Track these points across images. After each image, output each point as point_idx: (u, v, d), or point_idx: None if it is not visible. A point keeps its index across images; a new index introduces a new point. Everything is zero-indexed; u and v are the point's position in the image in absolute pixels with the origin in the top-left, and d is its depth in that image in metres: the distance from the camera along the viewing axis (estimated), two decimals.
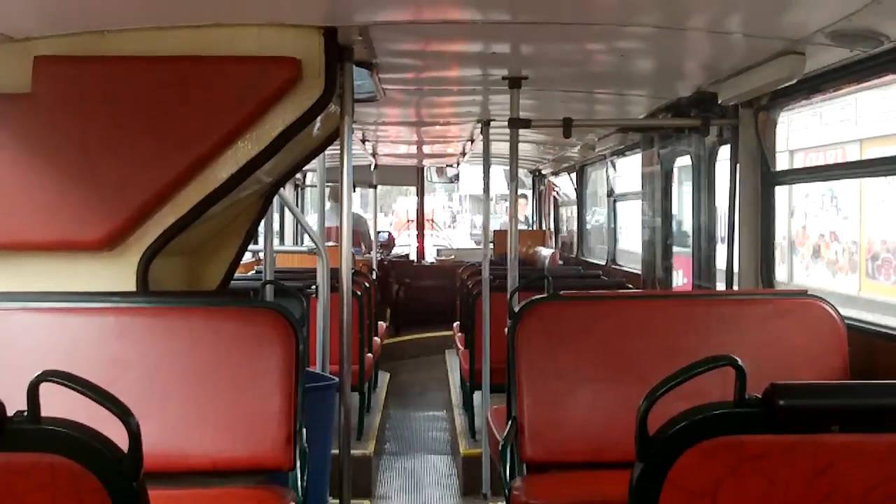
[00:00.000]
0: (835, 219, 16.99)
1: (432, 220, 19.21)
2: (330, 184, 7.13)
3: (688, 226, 6.09)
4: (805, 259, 17.99)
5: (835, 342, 3.88)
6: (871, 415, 1.80)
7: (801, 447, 1.78)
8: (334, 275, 5.04)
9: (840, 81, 4.26)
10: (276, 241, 7.22)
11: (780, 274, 17.21)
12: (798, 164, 15.25)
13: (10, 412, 1.73)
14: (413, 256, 14.99)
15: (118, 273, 3.73)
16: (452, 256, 15.25)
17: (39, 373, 1.76)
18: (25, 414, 1.74)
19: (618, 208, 9.35)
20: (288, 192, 10.42)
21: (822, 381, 2.53)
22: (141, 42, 3.74)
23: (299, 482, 3.52)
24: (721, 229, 5.40)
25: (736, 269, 5.13)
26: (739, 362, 1.79)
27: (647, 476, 1.81)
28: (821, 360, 3.86)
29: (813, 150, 16.46)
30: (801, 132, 16.34)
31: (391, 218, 29.71)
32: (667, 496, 1.80)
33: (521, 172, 13.23)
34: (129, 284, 3.73)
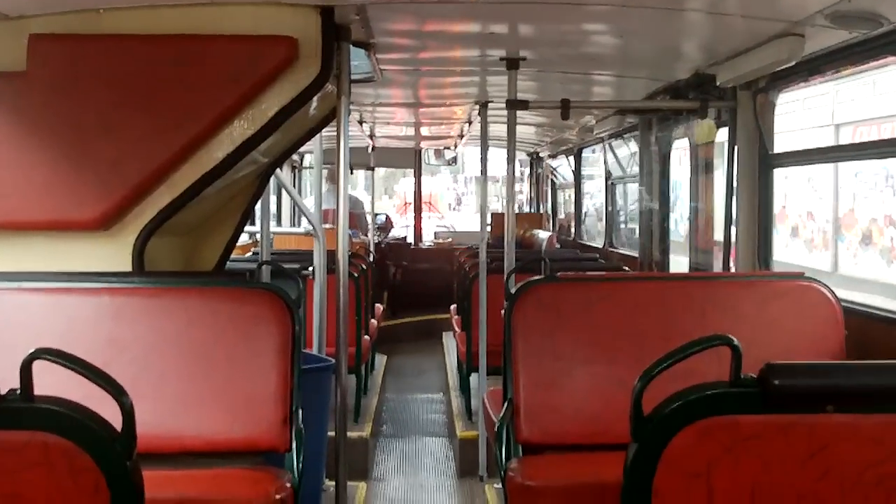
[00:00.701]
0: (892, 200, 14.67)
1: (430, 203, 19.16)
2: (327, 165, 7.12)
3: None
4: (853, 246, 15.69)
5: (831, 324, 3.88)
6: (867, 395, 1.80)
7: (796, 427, 1.78)
8: (331, 257, 5.02)
9: (839, 63, 4.24)
10: (272, 222, 7.21)
11: (823, 262, 15.53)
12: (846, 140, 13.76)
13: (3, 390, 1.73)
14: (411, 239, 14.99)
15: (114, 253, 3.72)
16: (450, 239, 15.25)
17: (33, 350, 1.75)
18: (18, 392, 1.74)
19: (616, 191, 9.34)
20: (285, 173, 10.39)
21: (818, 362, 2.52)
22: (137, 20, 3.71)
23: (295, 464, 3.52)
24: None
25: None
26: (735, 342, 1.78)
27: (641, 456, 1.81)
28: (817, 342, 3.86)
29: (864, 123, 14.25)
30: (848, 104, 14.36)
31: (395, 200, 29.44)
32: (661, 476, 1.80)
33: (519, 155, 13.21)
34: (125, 264, 3.72)
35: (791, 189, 15.85)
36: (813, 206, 16.55)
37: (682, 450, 1.79)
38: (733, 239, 5.10)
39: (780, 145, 4.96)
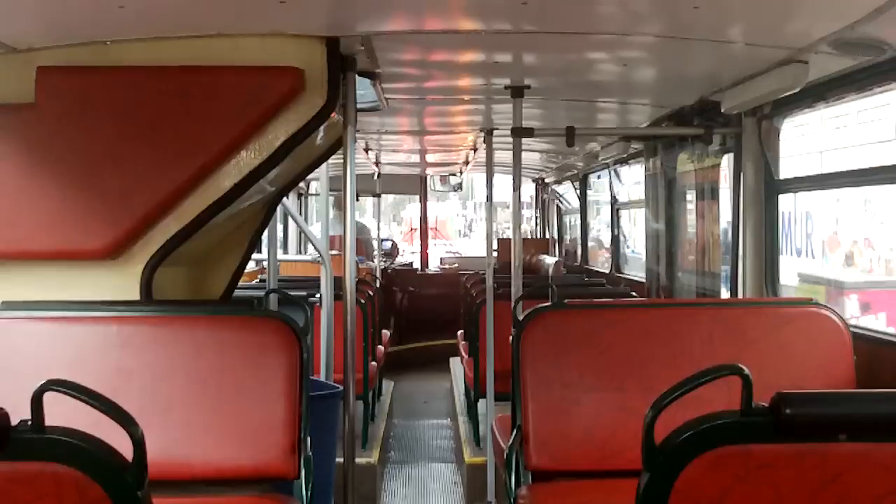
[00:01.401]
0: None
1: (436, 229, 19.14)
2: (333, 193, 7.14)
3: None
4: None
5: (840, 350, 3.87)
6: (880, 424, 1.79)
7: (808, 456, 1.77)
8: (338, 283, 5.03)
9: (843, 90, 4.25)
10: (279, 250, 7.23)
11: None
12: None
13: (14, 421, 1.73)
14: (417, 265, 14.99)
15: (122, 282, 3.73)
16: (456, 265, 15.24)
17: (43, 382, 1.76)
18: (29, 423, 1.74)
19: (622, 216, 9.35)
20: (291, 201, 10.41)
21: (830, 390, 2.51)
22: (144, 52, 3.74)
23: (304, 491, 3.51)
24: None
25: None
26: (746, 371, 1.78)
27: (653, 486, 1.80)
28: (826, 369, 3.85)
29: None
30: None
31: (402, 227, 29.05)
32: None
33: (524, 181, 13.22)
34: (133, 293, 3.73)
35: (842, 212, 14.54)
36: (871, 231, 15.20)
37: (694, 480, 1.78)
38: (740, 265, 5.10)
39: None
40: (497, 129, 6.80)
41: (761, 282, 4.98)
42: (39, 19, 3.47)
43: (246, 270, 5.37)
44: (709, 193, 5.65)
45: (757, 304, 4.32)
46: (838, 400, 1.88)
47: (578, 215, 11.09)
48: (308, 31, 3.76)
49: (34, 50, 3.72)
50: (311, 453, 3.57)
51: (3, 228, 3.64)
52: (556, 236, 13.00)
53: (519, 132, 5.29)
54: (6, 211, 3.63)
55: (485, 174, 7.01)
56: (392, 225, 27.99)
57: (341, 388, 4.61)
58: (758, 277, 4.99)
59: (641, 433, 1.84)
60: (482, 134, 7.19)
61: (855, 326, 4.02)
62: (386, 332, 10.52)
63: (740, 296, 5.11)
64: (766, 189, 4.97)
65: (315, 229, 8.13)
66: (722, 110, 4.94)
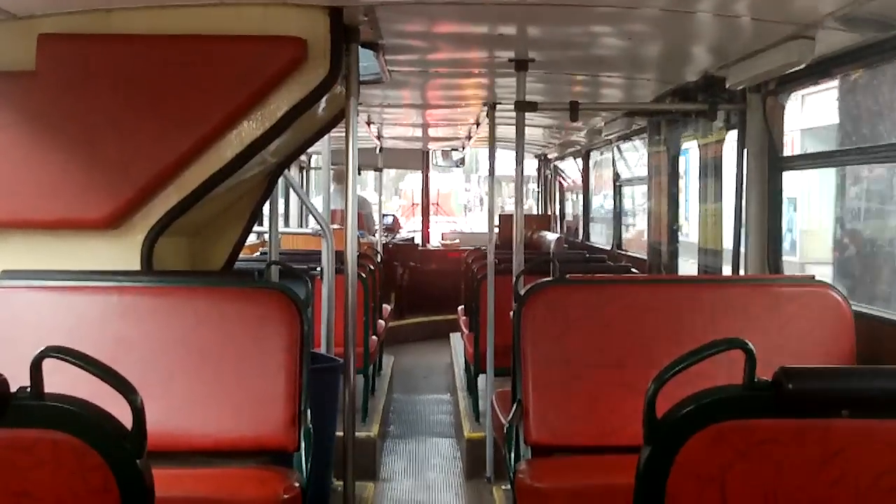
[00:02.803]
0: None
1: (438, 204, 19.10)
2: (335, 166, 7.12)
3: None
4: None
5: (842, 328, 3.86)
6: (882, 400, 1.78)
7: (810, 432, 1.77)
8: (339, 257, 5.02)
9: (849, 66, 4.23)
10: (280, 222, 7.21)
11: None
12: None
13: (13, 388, 1.72)
14: (419, 240, 15.00)
15: (122, 252, 3.72)
16: (457, 240, 15.24)
17: (42, 349, 1.75)
18: (28, 390, 1.73)
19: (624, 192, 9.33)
20: (293, 174, 10.40)
21: (833, 366, 2.51)
22: (145, 20, 3.71)
23: (304, 463, 3.52)
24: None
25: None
26: (749, 346, 1.77)
27: (654, 459, 1.79)
28: (828, 346, 3.84)
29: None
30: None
31: (401, 200, 28.49)
32: (674, 480, 1.79)
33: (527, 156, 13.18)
34: (134, 264, 3.72)
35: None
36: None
37: (695, 453, 1.78)
38: (742, 242, 5.08)
39: None
40: (500, 103, 6.77)
41: (763, 259, 4.97)
42: None
43: (247, 243, 5.37)
44: (712, 170, 5.62)
45: (759, 281, 4.31)
46: (841, 375, 1.87)
47: (581, 191, 11.07)
48: (311, 0, 3.72)
49: (35, 17, 3.69)
50: (310, 426, 3.57)
51: (3, 198, 3.63)
52: (558, 213, 12.97)
53: (522, 106, 5.26)
54: (6, 180, 3.62)
55: (487, 149, 6.98)
56: (394, 199, 27.67)
57: (342, 361, 4.61)
58: (760, 255, 4.98)
59: (642, 409, 1.84)
60: (485, 108, 7.15)
61: (857, 304, 4.01)
62: (387, 307, 10.53)
63: (742, 273, 5.10)
64: (770, 166, 4.95)
65: (316, 203, 8.11)
66: (727, 86, 4.91)
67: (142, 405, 1.79)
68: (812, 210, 15.65)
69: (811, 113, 13.54)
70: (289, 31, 3.70)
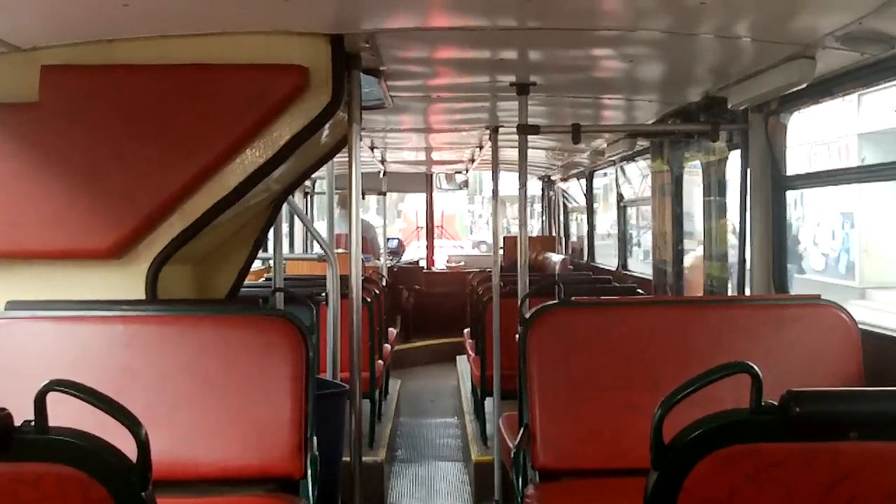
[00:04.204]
0: None
1: (442, 227, 19.09)
2: (339, 191, 7.14)
3: None
4: None
5: (849, 348, 3.84)
6: (891, 422, 1.77)
7: (818, 455, 1.76)
8: (344, 282, 5.02)
9: (850, 85, 4.23)
10: (285, 248, 7.21)
11: None
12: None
13: (17, 421, 1.72)
14: (423, 263, 15.01)
15: (127, 281, 3.73)
16: (462, 263, 15.25)
17: (47, 382, 1.75)
18: (33, 424, 1.73)
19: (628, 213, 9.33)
20: (297, 199, 10.41)
21: (840, 388, 2.50)
22: (148, 50, 3.73)
23: (310, 490, 3.50)
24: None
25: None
26: (755, 369, 1.76)
27: (662, 485, 1.78)
28: (835, 366, 3.82)
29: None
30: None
31: (398, 223, 28.23)
32: None
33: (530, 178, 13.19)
34: (138, 293, 3.73)
35: None
36: None
37: (703, 478, 1.77)
38: (747, 262, 5.07)
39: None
40: (503, 126, 6.79)
41: (769, 279, 4.96)
42: (43, 18, 3.46)
43: (252, 269, 5.37)
44: (715, 190, 5.63)
45: (765, 301, 4.29)
46: (849, 398, 1.86)
47: (585, 213, 11.07)
48: (313, 28, 3.74)
49: (38, 49, 3.72)
50: (317, 452, 3.56)
51: (7, 228, 3.64)
52: (562, 234, 12.98)
53: (525, 129, 5.27)
54: (10, 210, 3.63)
55: (490, 171, 6.99)
56: (397, 222, 27.47)
57: (347, 386, 4.60)
58: (765, 275, 4.97)
59: (649, 432, 1.83)
60: (488, 131, 7.17)
61: (864, 323, 4.00)
62: (392, 331, 10.52)
63: (748, 293, 5.09)
64: (773, 185, 4.94)
65: (320, 227, 8.13)
66: (728, 106, 4.92)
67: (146, 438, 1.78)
68: (875, 226, 14.47)
69: (871, 115, 12.62)
70: (291, 58, 3.72)
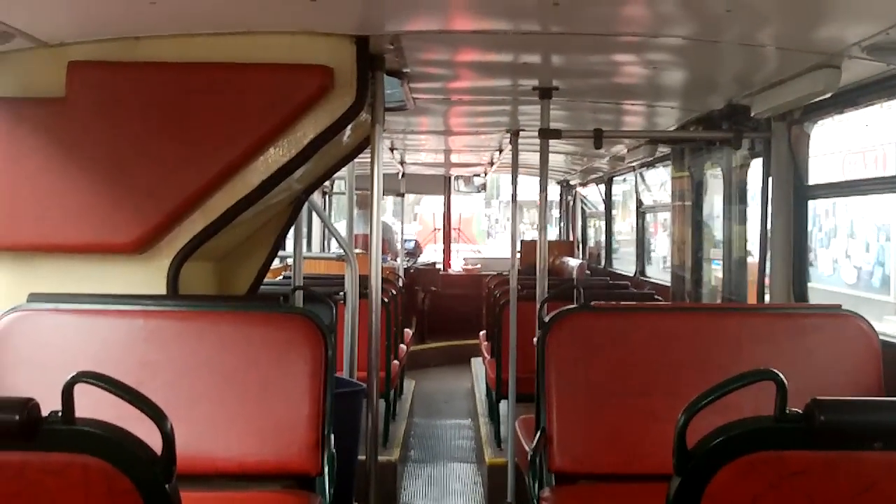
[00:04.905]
0: None
1: (459, 229, 19.09)
2: (358, 191, 7.16)
3: None
4: None
5: (869, 358, 3.83)
6: None
7: (842, 464, 1.75)
8: (363, 281, 5.04)
9: (875, 95, 4.21)
10: (304, 247, 7.24)
11: None
12: None
13: (41, 411, 1.74)
14: (440, 265, 15.03)
15: (149, 276, 3.75)
16: (479, 266, 15.26)
17: (75, 374, 1.77)
18: (60, 414, 1.75)
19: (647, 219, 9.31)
20: (316, 199, 10.44)
21: (865, 398, 2.48)
22: (174, 48, 3.76)
23: (326, 487, 3.51)
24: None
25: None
26: (780, 377, 1.76)
27: (684, 490, 1.78)
28: (855, 376, 3.81)
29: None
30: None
31: (414, 226, 28.05)
32: None
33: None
34: (160, 288, 3.75)
35: None
36: None
37: (726, 485, 1.77)
38: (767, 270, 5.06)
39: None
40: (523, 130, 6.79)
41: (789, 288, 4.94)
42: (71, 15, 3.49)
43: (271, 267, 5.39)
44: (736, 198, 5.61)
45: (785, 310, 4.28)
46: (874, 408, 1.85)
47: (603, 218, 11.06)
48: (338, 29, 3.76)
49: (65, 45, 3.75)
50: (333, 450, 3.57)
51: (31, 221, 3.67)
52: (580, 239, 12.97)
53: (547, 133, 5.28)
54: (35, 204, 3.66)
55: (510, 175, 6.99)
56: (413, 223, 27.40)
57: (364, 385, 4.61)
58: (785, 283, 4.95)
59: (667, 438, 1.83)
60: (508, 135, 7.17)
61: (884, 334, 3.98)
62: (408, 331, 10.53)
63: (767, 301, 5.08)
64: (795, 195, 4.93)
65: (339, 227, 8.15)
66: (751, 114, 4.90)
67: (171, 431, 1.80)
68: None
69: None
70: (316, 59, 3.74)
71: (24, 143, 3.67)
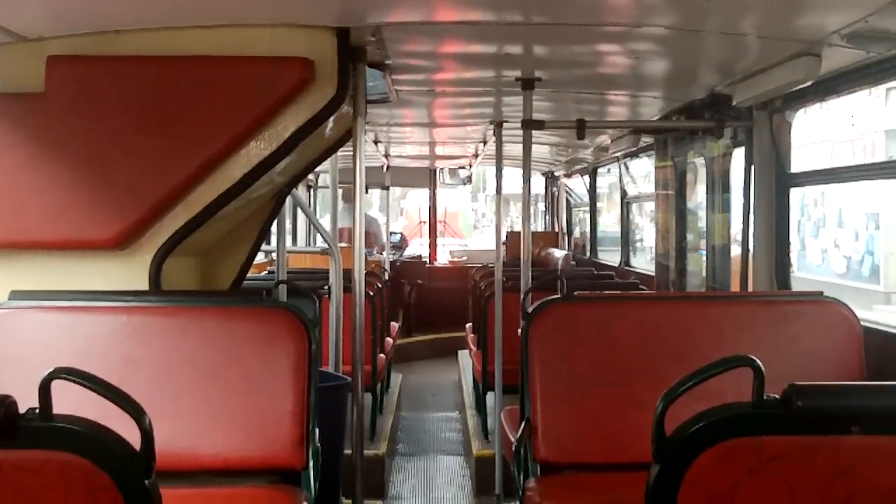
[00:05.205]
0: None
1: (445, 222, 19.09)
2: (342, 185, 7.15)
3: None
4: None
5: (851, 344, 3.85)
6: (893, 416, 1.78)
7: (820, 449, 1.76)
8: (347, 275, 5.03)
9: (855, 83, 4.23)
10: (288, 241, 7.22)
11: None
12: None
13: (22, 410, 1.73)
14: (426, 258, 15.04)
15: (130, 272, 3.73)
16: (464, 258, 15.27)
17: (51, 370, 1.76)
18: (37, 411, 1.74)
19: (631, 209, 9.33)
20: (301, 192, 10.43)
21: (842, 382, 2.50)
22: (154, 42, 3.74)
23: (312, 482, 3.51)
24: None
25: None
26: (758, 363, 1.77)
27: (664, 477, 1.79)
28: (837, 362, 3.83)
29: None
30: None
31: (401, 220, 28.09)
32: (684, 498, 1.78)
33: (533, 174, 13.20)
34: (142, 284, 3.73)
35: None
36: None
37: (705, 471, 1.77)
38: (750, 258, 5.08)
39: None
40: (507, 121, 6.79)
41: (772, 275, 4.96)
42: (50, 8, 3.47)
43: (255, 262, 5.38)
44: (720, 187, 5.63)
45: (767, 297, 4.30)
46: (851, 392, 1.86)
47: (588, 208, 11.07)
48: (318, 21, 3.75)
49: (44, 39, 3.72)
50: (318, 444, 3.57)
51: (11, 218, 3.64)
52: (565, 230, 12.98)
53: (529, 124, 5.28)
54: (14, 200, 3.63)
55: (494, 167, 6.99)
56: (399, 219, 27.42)
57: (349, 379, 4.60)
58: (768, 271, 4.97)
59: (650, 426, 1.83)
60: (492, 126, 7.17)
61: (866, 320, 4.00)
62: (394, 325, 10.53)
63: (750, 289, 5.09)
64: (778, 182, 4.95)
65: (324, 221, 8.14)
66: (733, 103, 4.92)
67: (150, 426, 1.79)
68: None
69: None
70: (297, 51, 3.73)
71: (3, 139, 3.64)
